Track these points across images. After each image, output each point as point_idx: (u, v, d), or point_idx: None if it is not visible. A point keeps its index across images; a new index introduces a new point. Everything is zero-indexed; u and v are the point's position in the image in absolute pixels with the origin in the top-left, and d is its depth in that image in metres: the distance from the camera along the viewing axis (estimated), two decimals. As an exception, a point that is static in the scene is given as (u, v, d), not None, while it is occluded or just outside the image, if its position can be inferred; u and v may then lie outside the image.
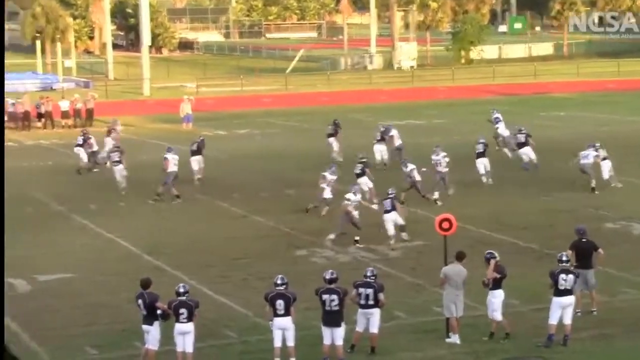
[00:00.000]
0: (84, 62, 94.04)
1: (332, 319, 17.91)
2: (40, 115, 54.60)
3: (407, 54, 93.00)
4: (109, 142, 39.26)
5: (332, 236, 26.71)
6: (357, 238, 26.67)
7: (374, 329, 18.45)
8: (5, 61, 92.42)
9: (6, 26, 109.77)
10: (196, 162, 36.11)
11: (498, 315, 19.06)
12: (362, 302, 18.39)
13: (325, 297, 17.92)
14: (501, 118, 41.58)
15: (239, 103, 66.40)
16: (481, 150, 35.15)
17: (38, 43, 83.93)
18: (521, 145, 37.29)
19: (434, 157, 32.03)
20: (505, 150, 39.25)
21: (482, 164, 34.80)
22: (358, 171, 31.79)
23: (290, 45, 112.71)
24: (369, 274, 18.55)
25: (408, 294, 22.22)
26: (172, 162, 33.02)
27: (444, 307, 19.19)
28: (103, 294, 22.75)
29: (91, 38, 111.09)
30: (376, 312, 18.40)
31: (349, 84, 78.88)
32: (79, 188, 35.76)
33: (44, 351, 19.11)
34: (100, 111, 56.14)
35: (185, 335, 17.62)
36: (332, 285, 18.00)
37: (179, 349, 17.67)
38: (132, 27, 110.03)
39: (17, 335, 19.82)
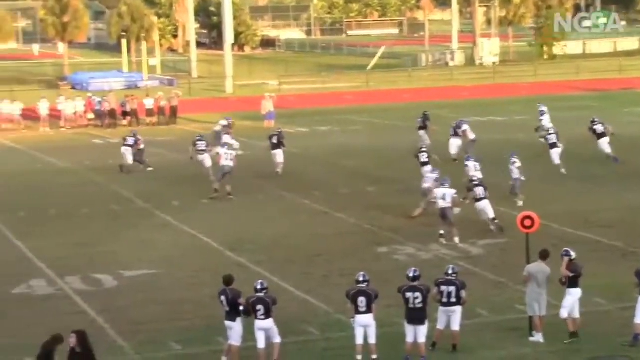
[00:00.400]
0: (168, 60, 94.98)
1: (416, 316, 17.86)
2: (125, 114, 55.40)
3: (489, 49, 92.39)
4: (227, 139, 39.31)
5: (457, 239, 26.54)
6: (442, 232, 26.69)
7: (456, 326, 18.39)
8: (92, 60, 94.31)
9: (93, 25, 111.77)
10: (276, 155, 37.00)
11: (564, 313, 18.83)
12: (445, 300, 18.32)
13: (408, 294, 17.89)
14: (546, 111, 41.74)
15: (320, 100, 66.56)
16: (554, 141, 35.49)
17: (124, 42, 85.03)
18: (600, 135, 37.11)
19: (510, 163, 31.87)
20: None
21: (557, 154, 35.12)
22: (424, 159, 32.23)
23: (371, 42, 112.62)
24: (450, 271, 18.49)
25: (491, 291, 22.09)
26: (224, 157, 33.30)
27: (527, 305, 19.04)
28: (186, 290, 23.00)
29: (175, 37, 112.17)
30: (458, 310, 18.34)
31: (430, 80, 78.55)
32: (162, 185, 36.19)
33: (130, 346, 19.35)
34: (183, 109, 56.75)
35: (265, 331, 17.75)
36: (416, 283, 17.97)
37: (260, 345, 17.78)
38: (215, 25, 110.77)
39: (103, 330, 20.17)
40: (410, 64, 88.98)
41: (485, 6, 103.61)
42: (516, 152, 32.14)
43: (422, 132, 41.31)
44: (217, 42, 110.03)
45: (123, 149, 38.80)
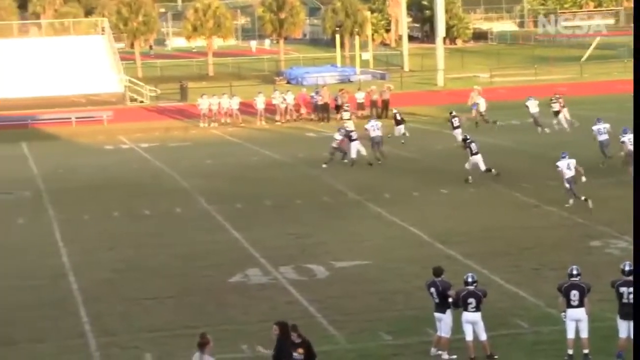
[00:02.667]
0: (381, 54, 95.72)
1: (630, 311, 17.37)
2: (337, 107, 56.22)
3: None
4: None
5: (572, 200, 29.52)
6: (583, 198, 29.30)
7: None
8: (307, 55, 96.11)
9: (308, 21, 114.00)
10: (397, 130, 45.39)
11: None
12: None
13: (622, 289, 17.49)
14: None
15: (532, 92, 65.07)
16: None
17: (337, 37, 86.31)
18: None
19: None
20: None
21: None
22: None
23: (585, 33, 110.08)
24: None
25: None
26: (372, 130, 39.36)
27: None
28: (396, 281, 23.23)
29: (387, 31, 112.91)
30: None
31: (648, 71, 76.14)
32: (374, 177, 36.59)
33: (341, 335, 19.71)
34: (395, 102, 57.07)
35: (474, 324, 17.78)
36: (630, 277, 17.57)
37: (468, 337, 17.83)
38: (427, 19, 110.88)
39: (315, 319, 20.65)
40: (626, 55, 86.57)
41: None
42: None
43: None
44: (429, 36, 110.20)
45: (354, 144, 38.90)
